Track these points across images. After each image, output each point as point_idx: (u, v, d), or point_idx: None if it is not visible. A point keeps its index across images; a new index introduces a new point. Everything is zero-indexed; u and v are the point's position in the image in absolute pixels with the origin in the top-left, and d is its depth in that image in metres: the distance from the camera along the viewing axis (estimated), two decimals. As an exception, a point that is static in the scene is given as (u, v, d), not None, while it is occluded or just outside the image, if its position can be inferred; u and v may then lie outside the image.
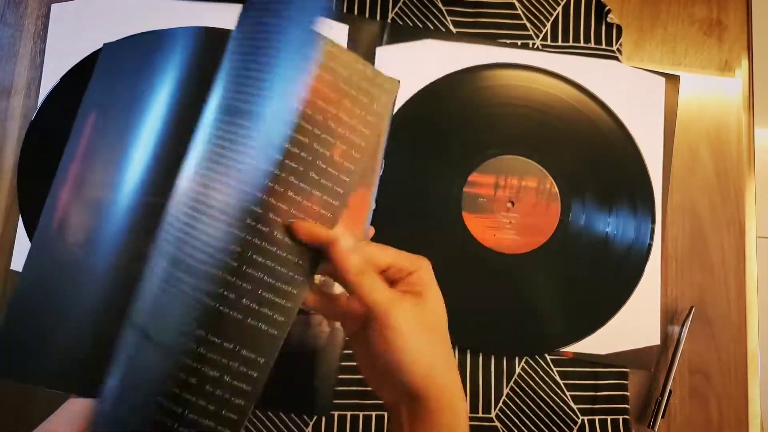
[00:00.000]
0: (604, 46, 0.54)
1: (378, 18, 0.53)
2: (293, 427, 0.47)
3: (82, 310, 0.37)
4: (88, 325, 0.37)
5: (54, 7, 0.51)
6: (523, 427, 0.48)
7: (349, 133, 0.34)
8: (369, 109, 0.35)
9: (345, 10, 0.53)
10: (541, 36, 0.54)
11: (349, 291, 0.31)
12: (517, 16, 0.54)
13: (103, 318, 0.36)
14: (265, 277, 0.32)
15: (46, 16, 0.51)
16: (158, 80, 0.40)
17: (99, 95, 0.42)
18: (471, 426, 0.32)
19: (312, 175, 0.33)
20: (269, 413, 0.48)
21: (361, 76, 0.35)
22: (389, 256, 0.32)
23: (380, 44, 0.52)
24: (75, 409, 0.36)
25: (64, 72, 0.50)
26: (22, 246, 0.48)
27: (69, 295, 0.38)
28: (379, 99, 0.35)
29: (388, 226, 0.43)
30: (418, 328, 0.30)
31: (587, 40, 0.54)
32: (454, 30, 0.53)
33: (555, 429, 0.49)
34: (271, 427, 0.47)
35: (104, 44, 0.44)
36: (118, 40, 0.44)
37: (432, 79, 0.52)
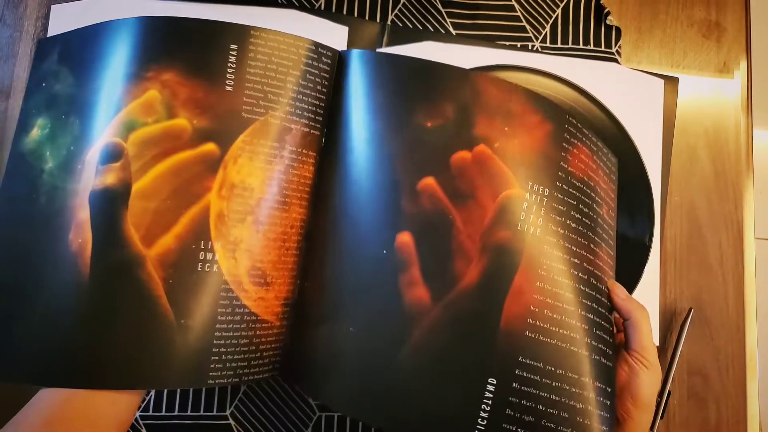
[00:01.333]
0: (603, 48, 0.53)
1: (378, 19, 0.52)
2: (292, 428, 0.47)
3: (47, 296, 0.36)
4: (56, 314, 0.36)
5: (54, 8, 0.50)
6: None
7: (605, 195, 0.42)
8: (609, 175, 0.43)
9: (345, 12, 0.52)
10: (540, 38, 0.53)
11: (618, 310, 0.40)
12: (517, 18, 0.53)
13: (72, 306, 0.35)
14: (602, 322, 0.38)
15: (46, 17, 0.51)
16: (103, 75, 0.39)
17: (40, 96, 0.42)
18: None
19: (599, 231, 0.40)
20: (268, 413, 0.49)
21: (600, 150, 0.42)
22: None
23: (380, 46, 0.51)
24: (46, 401, 0.34)
25: (64, 73, 0.50)
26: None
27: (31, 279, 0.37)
28: (612, 167, 0.43)
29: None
30: (657, 368, 0.38)
31: (586, 42, 0.53)
32: (453, 32, 0.52)
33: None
34: (269, 426, 0.47)
35: (38, 41, 0.44)
36: (52, 37, 0.43)
37: (432, 81, 0.53)
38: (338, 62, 0.42)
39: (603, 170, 0.42)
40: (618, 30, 0.53)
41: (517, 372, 0.35)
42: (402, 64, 0.41)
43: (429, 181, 0.37)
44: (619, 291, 0.40)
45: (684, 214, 0.52)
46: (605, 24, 0.53)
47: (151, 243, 0.35)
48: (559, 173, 0.38)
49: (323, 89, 0.41)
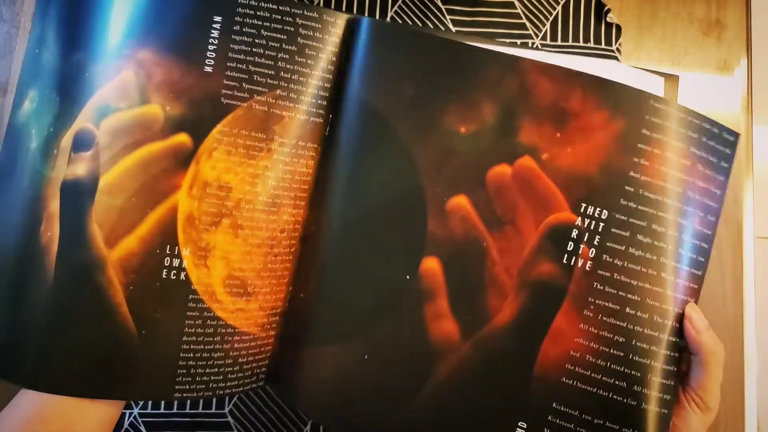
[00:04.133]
0: (603, 46, 0.51)
1: (377, 16, 0.50)
2: (291, 425, 0.46)
3: (18, 291, 0.33)
4: (24, 313, 0.32)
5: None
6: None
7: (701, 197, 0.33)
8: (716, 165, 0.33)
9: (344, 9, 0.50)
10: (540, 35, 0.51)
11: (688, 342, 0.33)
12: (517, 15, 0.51)
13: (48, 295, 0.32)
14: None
15: None
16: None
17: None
18: None
19: (680, 252, 0.32)
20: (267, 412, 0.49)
21: (705, 134, 0.32)
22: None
23: (379, 43, 0.52)
24: (25, 401, 0.33)
25: (61, 70, 0.50)
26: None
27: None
28: (726, 149, 0.33)
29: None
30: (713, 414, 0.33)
31: (587, 39, 0.51)
32: (453, 29, 0.50)
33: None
34: (268, 424, 0.46)
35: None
36: None
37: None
38: (349, 31, 0.35)
39: (705, 162, 0.32)
40: (618, 28, 0.51)
41: (549, 418, 0.31)
42: (432, 45, 0.33)
43: (461, 201, 0.33)
44: (696, 322, 0.32)
45: (683, 212, 0.52)
46: (605, 21, 0.51)
47: (114, 245, 0.32)
48: (627, 188, 0.31)
49: (328, 66, 0.35)
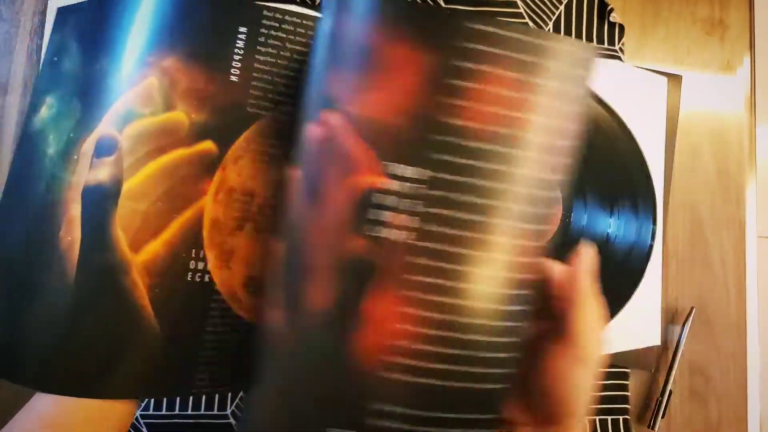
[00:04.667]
0: (606, 46, 0.51)
1: None
2: None
3: (38, 296, 0.33)
4: (44, 317, 0.32)
5: (51, 3, 0.48)
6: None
7: (553, 138, 0.26)
8: (568, 96, 0.26)
9: None
10: None
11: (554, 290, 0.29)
12: (520, 15, 0.51)
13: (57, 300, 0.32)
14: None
15: (43, 13, 0.48)
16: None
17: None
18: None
19: (521, 200, 0.26)
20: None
21: (549, 56, 0.25)
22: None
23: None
24: (42, 404, 0.33)
25: (62, 69, 0.49)
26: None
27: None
28: (576, 77, 0.26)
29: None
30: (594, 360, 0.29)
31: (589, 39, 0.51)
32: None
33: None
34: None
35: (58, 9, 0.38)
36: (72, 5, 0.37)
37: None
38: None
39: (552, 92, 0.26)
40: (621, 27, 0.51)
41: (368, 422, 0.26)
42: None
43: (295, 174, 0.29)
44: (553, 271, 0.29)
45: (686, 212, 0.50)
46: (608, 21, 0.51)
47: (139, 248, 0.32)
48: (442, 138, 0.25)
49: None
